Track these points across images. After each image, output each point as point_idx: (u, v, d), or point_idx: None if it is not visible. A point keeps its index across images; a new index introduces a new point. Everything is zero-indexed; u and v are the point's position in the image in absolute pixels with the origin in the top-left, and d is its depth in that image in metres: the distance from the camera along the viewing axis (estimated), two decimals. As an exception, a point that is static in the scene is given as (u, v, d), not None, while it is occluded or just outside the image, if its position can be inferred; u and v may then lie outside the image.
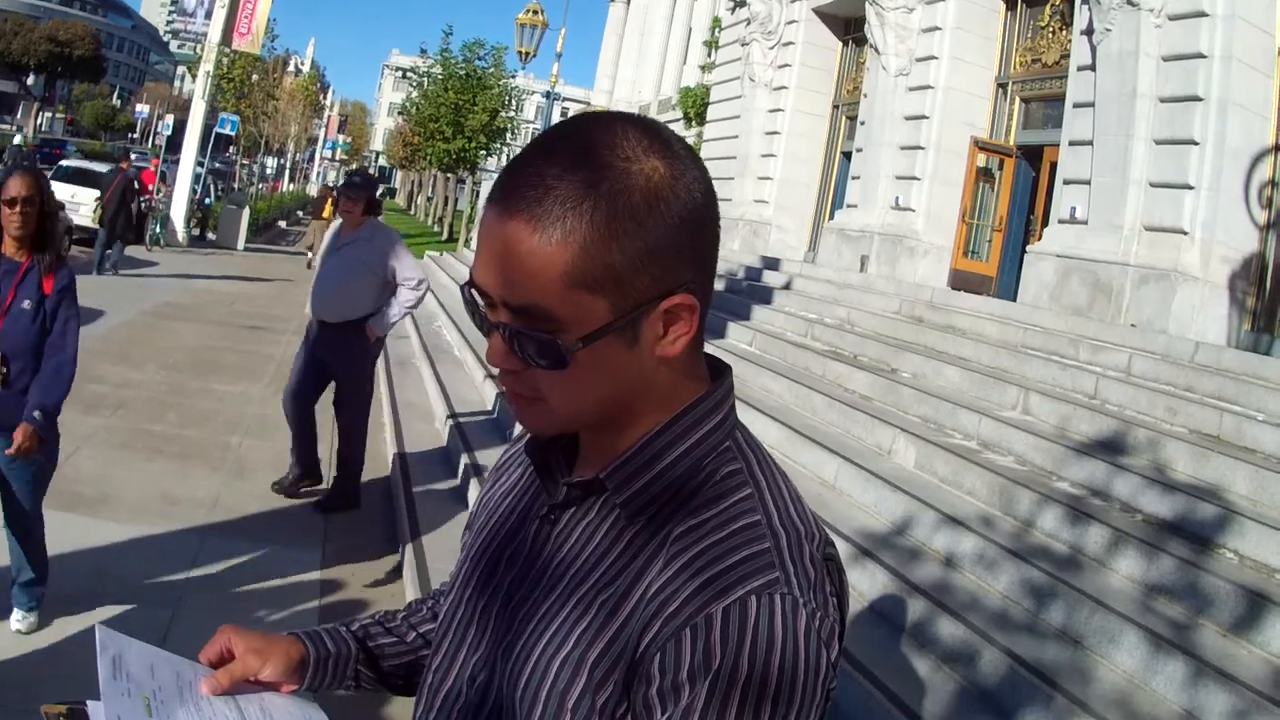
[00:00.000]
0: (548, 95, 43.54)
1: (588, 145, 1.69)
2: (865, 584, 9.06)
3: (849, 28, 30.88)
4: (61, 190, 31.79)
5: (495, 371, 1.96)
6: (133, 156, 39.87)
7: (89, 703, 2.02)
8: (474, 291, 1.79)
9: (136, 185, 33.30)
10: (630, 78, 77.46)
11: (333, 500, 11.68)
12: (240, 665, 2.22)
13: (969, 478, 10.83)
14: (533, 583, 1.91)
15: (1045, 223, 20.67)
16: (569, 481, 1.93)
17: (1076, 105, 19.50)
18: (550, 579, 1.88)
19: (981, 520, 9.83)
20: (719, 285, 24.34)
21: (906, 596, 8.57)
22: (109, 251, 29.88)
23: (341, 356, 11.69)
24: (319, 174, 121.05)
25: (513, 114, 64.48)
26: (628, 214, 1.65)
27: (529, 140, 1.85)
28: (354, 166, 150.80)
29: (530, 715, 1.79)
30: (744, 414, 12.79)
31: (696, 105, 50.81)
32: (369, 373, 12.17)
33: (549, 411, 1.84)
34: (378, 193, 12.21)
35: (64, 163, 42.81)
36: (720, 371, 1.98)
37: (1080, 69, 19.44)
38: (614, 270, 1.67)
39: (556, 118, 54.46)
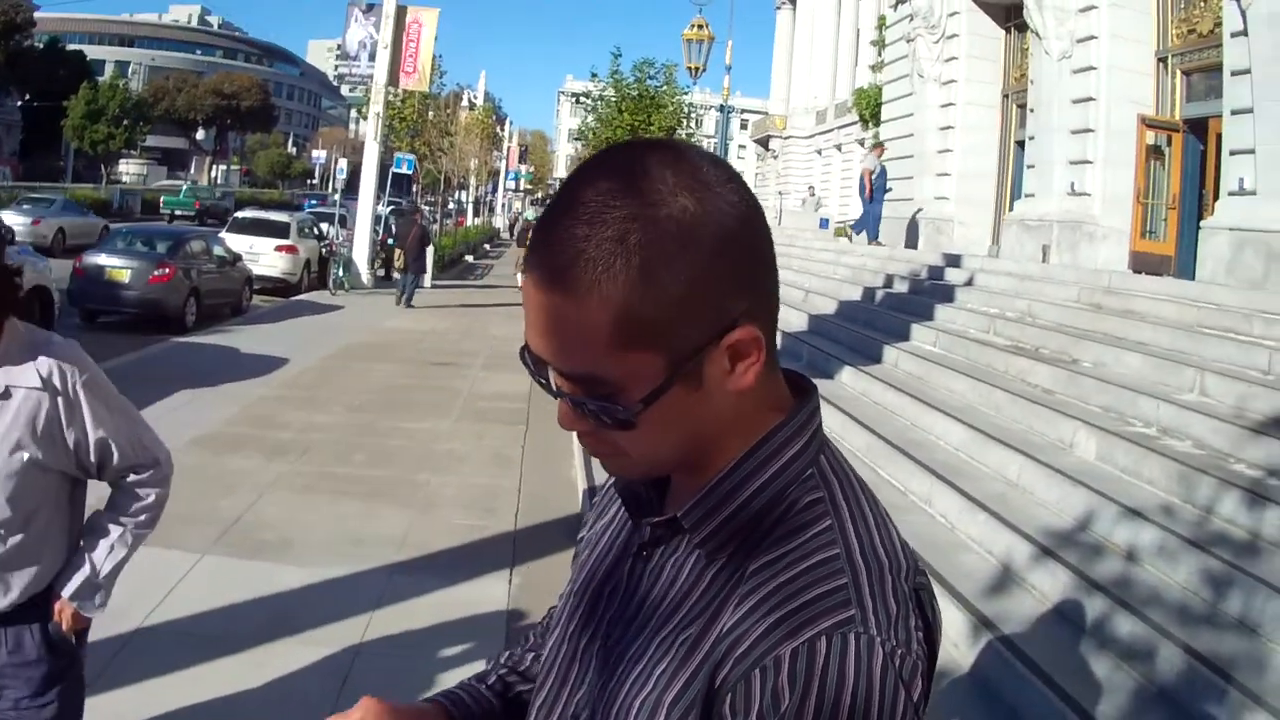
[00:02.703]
0: (722, 109, 43.36)
1: (611, 193, 1.63)
2: (1047, 584, 9.02)
3: (1009, 14, 30.49)
4: (239, 241, 34.03)
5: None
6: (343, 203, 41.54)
7: None
8: (531, 356, 1.77)
9: (429, 233, 39.55)
10: (804, 83, 77.64)
11: None
12: None
13: (1149, 466, 10.63)
14: (627, 621, 1.89)
15: (1217, 196, 20.15)
16: (650, 521, 1.90)
17: (1234, 73, 19.01)
18: (641, 618, 1.86)
19: (1162, 510, 9.65)
20: (902, 287, 24.31)
21: (1087, 595, 8.47)
22: (406, 286, 36.01)
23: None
24: (504, 205, 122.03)
25: (691, 130, 64.23)
26: (662, 263, 1.61)
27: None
28: (538, 195, 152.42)
29: None
30: (928, 416, 12.77)
31: (871, 106, 50.81)
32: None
33: (632, 463, 1.83)
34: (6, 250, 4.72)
35: (238, 214, 43.84)
36: (804, 390, 1.92)
37: (1234, 35, 18.90)
38: (660, 323, 1.63)
39: (734, 131, 54.34)
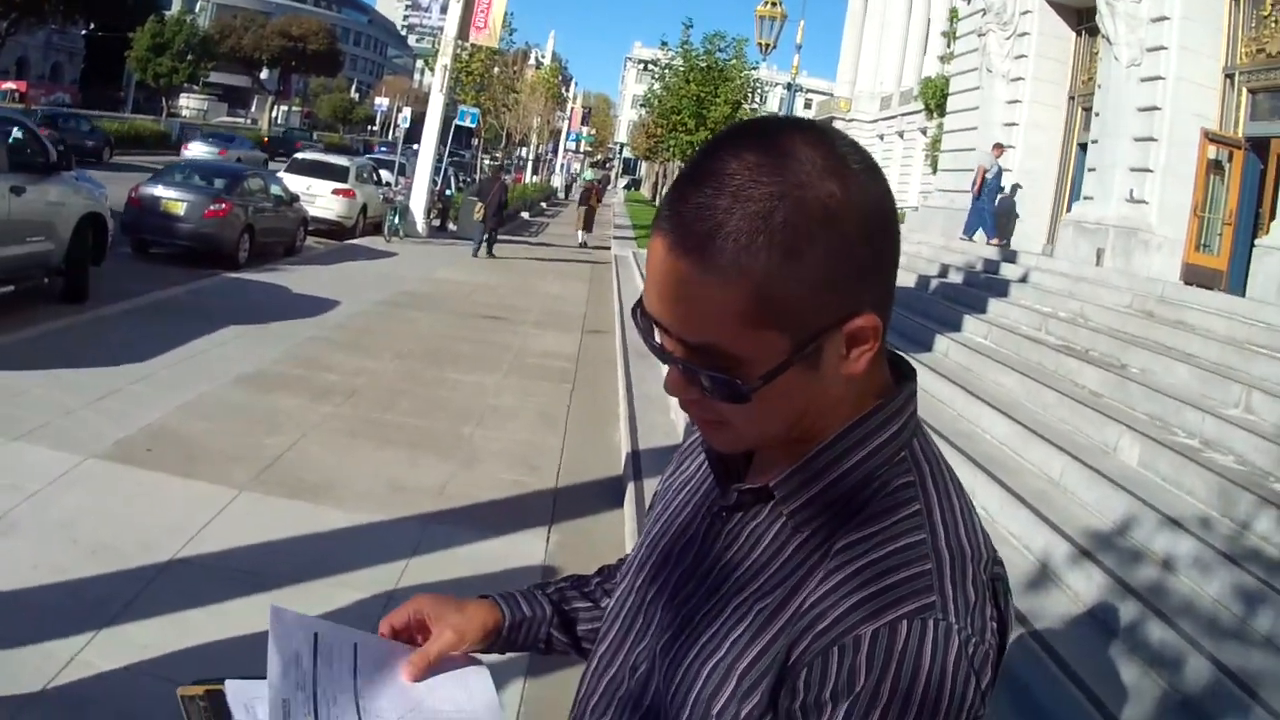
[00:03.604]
0: (789, 87, 43.10)
1: (757, 169, 1.61)
2: (1082, 586, 9.04)
3: (1081, 17, 30.23)
4: (298, 182, 34.30)
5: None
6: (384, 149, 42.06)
7: (227, 682, 2.06)
8: (644, 318, 1.77)
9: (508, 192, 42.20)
10: (872, 68, 77.42)
11: None
12: (437, 646, 2.26)
13: (1190, 477, 10.64)
14: (698, 581, 1.91)
15: (1274, 216, 20.09)
16: (740, 488, 1.90)
17: (1299, 96, 18.87)
18: (714, 580, 1.88)
19: (1200, 522, 9.66)
20: (956, 277, 24.37)
21: (1121, 600, 8.49)
22: (485, 239, 38.34)
23: None
24: (563, 166, 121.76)
25: (755, 106, 63.82)
26: (803, 245, 1.60)
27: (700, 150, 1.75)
28: (598, 158, 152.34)
29: (679, 716, 1.79)
30: (975, 407, 12.82)
31: (937, 96, 50.50)
32: None
33: (735, 435, 1.83)
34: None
35: (299, 155, 44.14)
36: (905, 375, 1.92)
37: (1301, 59, 18.80)
38: (791, 304, 1.63)
39: (799, 110, 54.11)
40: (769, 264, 1.59)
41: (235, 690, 2.04)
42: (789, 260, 1.59)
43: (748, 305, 1.61)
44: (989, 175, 30.38)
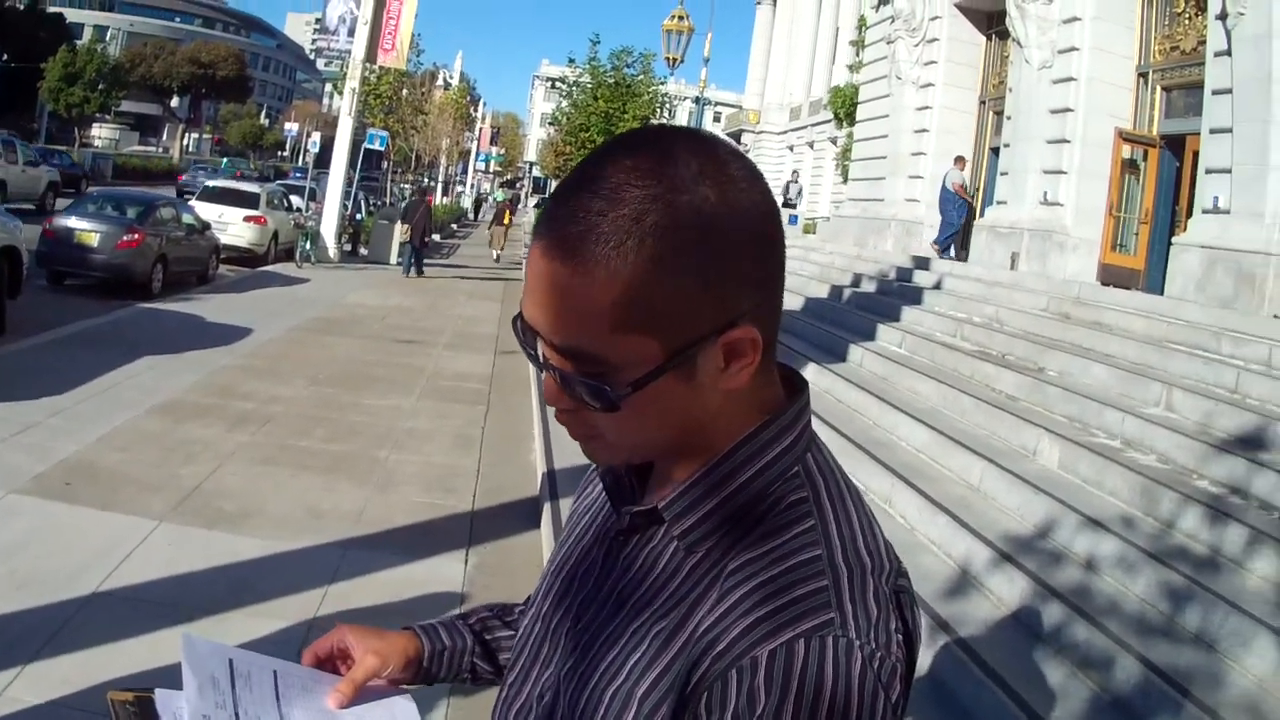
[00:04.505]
0: (697, 101, 43.24)
1: (633, 174, 1.60)
2: (1005, 590, 9.06)
3: (991, 21, 30.68)
4: (209, 210, 34.24)
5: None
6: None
7: (157, 691, 2.05)
8: (523, 325, 1.75)
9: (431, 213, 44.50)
10: (780, 79, 77.63)
11: None
12: (362, 671, 2.24)
13: (1111, 478, 10.70)
14: (599, 607, 1.88)
15: (1190, 213, 20.28)
16: (630, 510, 1.87)
17: (1215, 92, 19.07)
18: (613, 605, 1.85)
19: (1123, 522, 9.71)
20: (870, 286, 24.47)
21: (1045, 602, 8.53)
22: (414, 259, 40.02)
23: None
24: (473, 186, 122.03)
25: (665, 120, 63.85)
26: (675, 251, 1.58)
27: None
28: (508, 178, 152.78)
29: None
30: (892, 416, 12.86)
31: (846, 105, 50.70)
32: None
33: (609, 447, 1.81)
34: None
35: (209, 183, 43.94)
36: (797, 388, 1.89)
37: (1217, 54, 19.01)
38: (662, 309, 1.61)
39: (708, 123, 54.18)
40: (639, 267, 1.58)
41: (164, 699, 2.04)
42: (659, 264, 1.58)
43: (616, 308, 1.60)
44: (965, 189, 30.39)
